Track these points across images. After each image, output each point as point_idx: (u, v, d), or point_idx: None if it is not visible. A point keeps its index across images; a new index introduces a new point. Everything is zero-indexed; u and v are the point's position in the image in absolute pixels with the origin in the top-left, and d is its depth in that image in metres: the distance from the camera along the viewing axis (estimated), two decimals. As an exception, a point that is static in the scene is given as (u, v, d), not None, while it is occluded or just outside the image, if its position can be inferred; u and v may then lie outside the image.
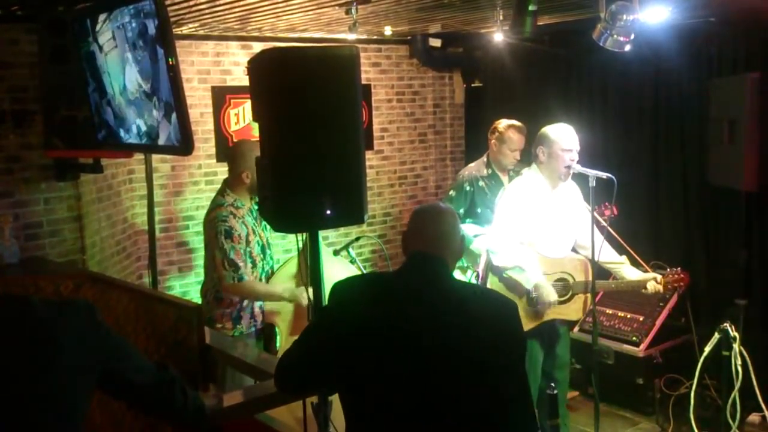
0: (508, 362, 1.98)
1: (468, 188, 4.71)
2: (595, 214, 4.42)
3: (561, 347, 4.27)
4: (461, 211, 4.68)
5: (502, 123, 4.72)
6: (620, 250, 4.20)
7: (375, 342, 1.97)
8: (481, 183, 4.69)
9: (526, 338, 2.26)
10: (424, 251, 2.08)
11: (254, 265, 3.81)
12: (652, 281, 3.97)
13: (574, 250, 4.18)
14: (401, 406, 1.94)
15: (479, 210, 4.67)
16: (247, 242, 3.77)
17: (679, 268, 4.08)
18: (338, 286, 2.12)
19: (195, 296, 5.05)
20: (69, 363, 1.72)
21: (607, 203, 4.40)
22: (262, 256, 3.87)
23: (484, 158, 4.81)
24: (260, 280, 3.86)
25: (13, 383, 1.66)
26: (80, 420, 1.77)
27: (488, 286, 4.10)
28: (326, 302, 2.12)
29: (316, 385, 2.27)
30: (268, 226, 3.94)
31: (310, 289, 2.53)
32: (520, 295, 4.01)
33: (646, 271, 4.15)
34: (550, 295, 3.91)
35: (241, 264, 3.67)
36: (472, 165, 4.88)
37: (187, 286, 5.60)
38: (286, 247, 5.30)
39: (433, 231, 2.11)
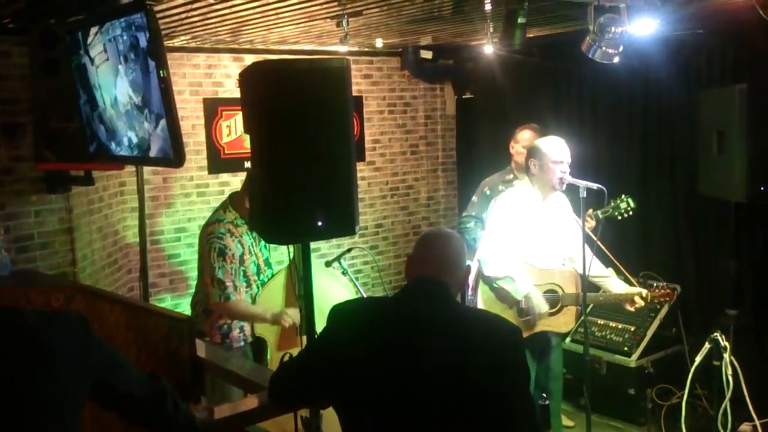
0: (510, 388, 1.93)
1: (488, 192, 4.73)
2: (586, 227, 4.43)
3: (554, 358, 4.27)
4: (483, 215, 4.66)
5: (519, 130, 4.86)
6: (607, 263, 4.21)
7: (374, 366, 1.95)
8: (501, 187, 4.64)
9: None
10: (427, 276, 2.05)
11: (248, 285, 3.80)
12: (638, 297, 3.99)
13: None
14: (400, 428, 1.93)
15: None
16: (242, 261, 3.76)
17: (665, 284, 4.10)
18: (338, 309, 2.11)
19: (186, 308, 5.04)
20: (61, 374, 1.72)
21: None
22: (256, 276, 3.86)
23: (509, 166, 4.88)
24: (255, 298, 3.85)
25: (6, 394, 1.66)
26: (75, 430, 1.76)
27: (479, 296, 4.11)
28: (325, 323, 2.10)
29: (310, 402, 2.29)
30: (268, 245, 3.95)
31: (302, 303, 2.52)
32: (510, 306, 4.02)
33: (632, 285, 4.17)
34: (541, 306, 3.92)
35: (228, 284, 3.66)
36: (495, 174, 4.94)
37: (178, 299, 5.59)
38: (277, 258, 5.29)
39: (439, 256, 2.07)
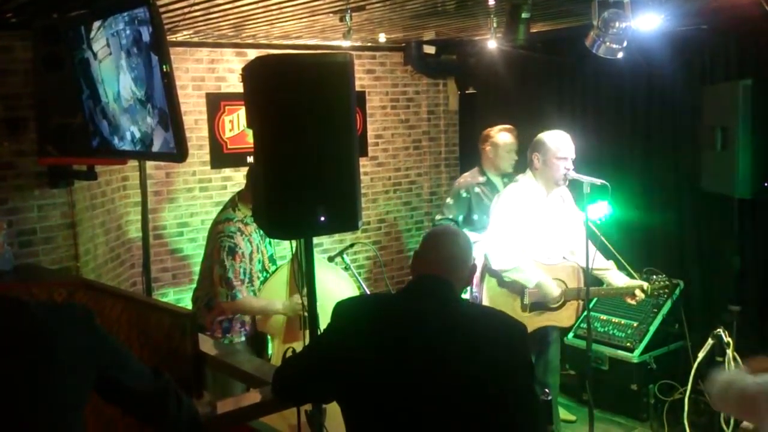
0: (514, 385, 1.92)
1: (465, 195, 4.70)
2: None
3: (552, 352, 4.29)
4: (460, 218, 4.68)
5: (493, 130, 4.82)
6: (608, 255, 4.21)
7: (378, 363, 1.95)
8: (477, 189, 4.68)
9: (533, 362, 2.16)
10: (432, 274, 2.04)
11: (251, 282, 3.80)
12: (638, 290, 3.98)
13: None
14: (402, 426, 1.93)
15: (476, 217, 4.66)
16: (251, 260, 3.76)
17: (665, 276, 4.10)
18: (342, 305, 2.10)
19: (189, 303, 5.05)
20: (65, 366, 1.72)
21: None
22: (260, 273, 3.86)
23: (477, 168, 4.85)
24: (255, 293, 3.85)
25: (9, 386, 1.66)
26: (78, 423, 1.76)
27: (484, 291, 4.11)
28: (329, 320, 2.10)
29: (314, 398, 2.29)
30: (273, 242, 3.94)
31: (304, 297, 2.52)
32: (515, 301, 4.02)
33: (634, 278, 4.16)
34: (553, 290, 3.93)
35: (236, 283, 3.66)
36: (466, 174, 4.91)
37: (181, 293, 5.59)
38: (280, 254, 5.29)
39: (444, 254, 2.06)
